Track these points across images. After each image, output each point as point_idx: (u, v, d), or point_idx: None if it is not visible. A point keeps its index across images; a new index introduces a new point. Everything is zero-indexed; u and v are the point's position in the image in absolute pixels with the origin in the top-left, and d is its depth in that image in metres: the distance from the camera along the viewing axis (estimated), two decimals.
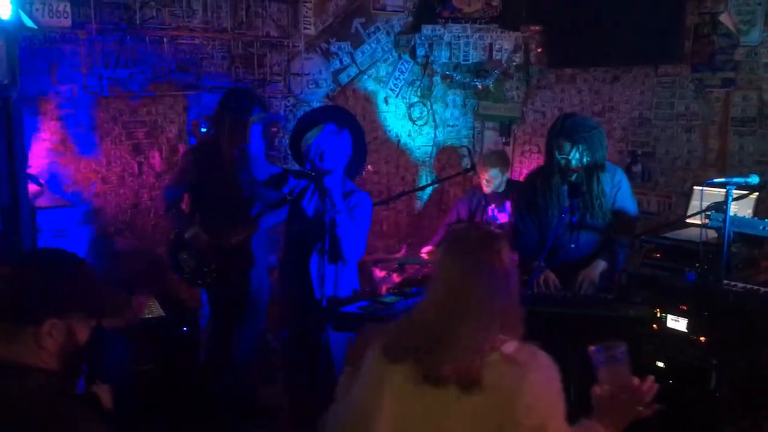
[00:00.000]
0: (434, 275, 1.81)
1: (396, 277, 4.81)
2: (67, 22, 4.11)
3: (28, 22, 3.75)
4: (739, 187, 3.08)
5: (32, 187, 3.79)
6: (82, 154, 4.40)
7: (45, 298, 1.58)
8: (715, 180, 3.16)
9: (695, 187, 4.02)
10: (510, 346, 1.73)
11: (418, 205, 5.93)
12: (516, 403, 1.66)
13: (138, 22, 4.38)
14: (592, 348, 1.90)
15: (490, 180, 4.74)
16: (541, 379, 1.71)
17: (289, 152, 5.16)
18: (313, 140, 3.14)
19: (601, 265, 3.54)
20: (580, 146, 3.41)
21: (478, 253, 1.74)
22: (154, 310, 3.94)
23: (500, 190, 4.80)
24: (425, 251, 4.84)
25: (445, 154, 5.88)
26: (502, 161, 4.87)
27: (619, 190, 3.58)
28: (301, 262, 3.18)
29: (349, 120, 3.31)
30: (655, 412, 1.87)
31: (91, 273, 1.73)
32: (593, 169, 3.47)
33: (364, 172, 3.29)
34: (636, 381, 1.89)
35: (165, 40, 4.47)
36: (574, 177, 3.49)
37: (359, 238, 3.16)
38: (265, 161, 3.97)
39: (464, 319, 1.69)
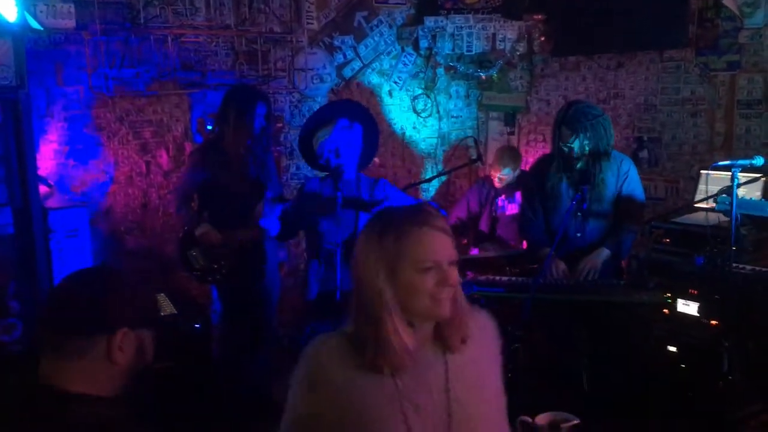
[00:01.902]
0: None
1: None
2: (72, 23, 4.13)
3: (34, 24, 3.77)
4: (745, 169, 3.08)
5: (42, 189, 3.81)
6: (90, 155, 4.42)
7: (120, 305, 1.52)
8: (721, 163, 3.16)
9: (702, 171, 4.03)
10: None
11: (425, 197, 5.94)
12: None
13: (142, 21, 4.39)
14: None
15: (503, 178, 4.77)
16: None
17: (296, 149, 5.23)
18: (327, 138, 3.14)
19: (604, 253, 3.55)
20: (583, 135, 3.41)
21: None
22: (165, 307, 3.96)
23: (511, 183, 4.81)
24: None
25: (451, 146, 5.89)
26: (515, 159, 4.87)
27: (626, 179, 3.59)
28: (328, 257, 3.19)
29: (360, 112, 3.31)
30: None
31: (149, 284, 1.69)
32: (596, 157, 3.47)
33: (372, 167, 3.29)
34: None
35: (169, 38, 4.48)
36: (579, 165, 3.49)
37: None
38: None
39: None
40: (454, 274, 1.56)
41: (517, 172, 4.82)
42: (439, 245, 1.56)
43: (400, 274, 1.54)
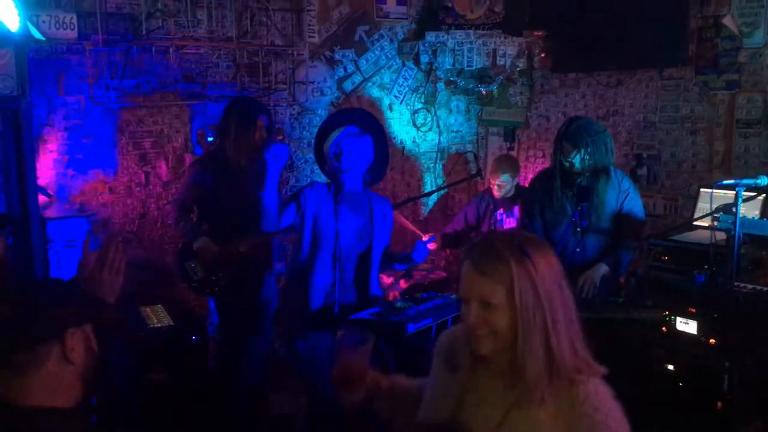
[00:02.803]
0: None
1: (403, 284, 4.82)
2: (74, 34, 4.14)
3: (36, 34, 3.78)
4: (748, 188, 3.08)
5: (41, 198, 3.80)
6: (89, 165, 4.41)
7: (60, 310, 1.56)
8: (725, 182, 3.17)
9: (702, 190, 4.03)
10: None
11: (424, 211, 5.94)
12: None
13: (144, 32, 4.40)
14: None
15: (502, 185, 4.76)
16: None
17: (295, 161, 5.24)
18: (333, 141, 3.15)
19: (602, 268, 3.55)
20: (584, 150, 3.43)
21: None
22: (162, 318, 3.95)
23: (509, 195, 4.81)
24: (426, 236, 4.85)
25: (450, 160, 5.90)
26: (513, 166, 4.88)
27: (627, 197, 3.60)
28: (322, 268, 3.17)
29: (373, 125, 3.31)
30: None
31: (70, 283, 1.75)
32: (597, 174, 3.48)
33: (379, 181, 3.29)
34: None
35: (170, 50, 4.49)
36: (580, 180, 3.50)
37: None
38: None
39: None
40: (473, 313, 1.54)
41: (516, 181, 4.82)
42: (467, 281, 1.56)
43: None
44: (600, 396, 1.55)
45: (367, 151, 3.18)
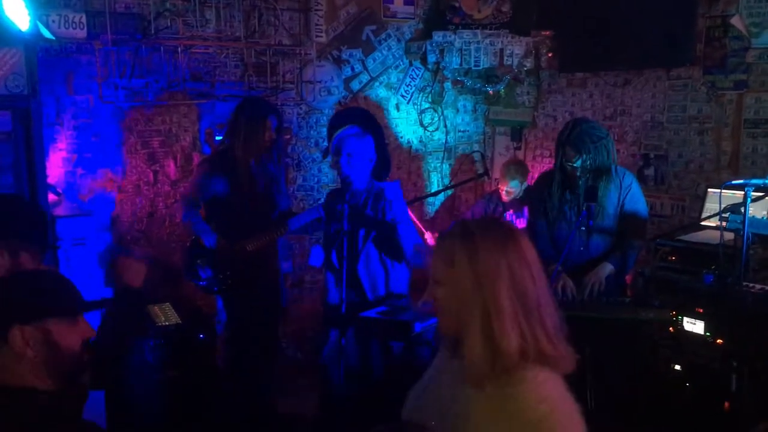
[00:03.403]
0: None
1: None
2: (83, 33, 4.16)
3: (46, 33, 3.80)
4: (757, 188, 3.08)
5: (51, 197, 3.83)
6: (98, 164, 4.43)
7: (2, 309, 1.60)
8: (734, 182, 3.16)
9: (710, 190, 4.03)
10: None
11: (431, 211, 5.94)
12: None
13: (152, 32, 4.42)
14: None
15: (511, 191, 4.78)
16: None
17: (303, 160, 5.26)
18: (334, 140, 3.16)
19: (608, 268, 3.54)
20: (586, 155, 3.44)
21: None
22: (170, 317, 3.97)
23: (518, 197, 4.82)
24: (429, 233, 4.90)
25: (457, 160, 5.90)
26: (522, 172, 4.89)
27: (629, 193, 3.59)
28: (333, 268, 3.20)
29: (372, 123, 3.31)
30: None
31: (54, 276, 1.76)
32: (599, 174, 3.49)
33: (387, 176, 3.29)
34: None
35: (179, 49, 4.51)
36: (583, 180, 3.50)
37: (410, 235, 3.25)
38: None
39: None
40: (427, 291, 1.59)
41: (525, 185, 4.83)
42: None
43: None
44: (548, 388, 1.51)
45: (368, 150, 3.18)
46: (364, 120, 3.27)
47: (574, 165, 3.46)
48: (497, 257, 1.53)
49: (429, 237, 4.90)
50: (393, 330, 2.82)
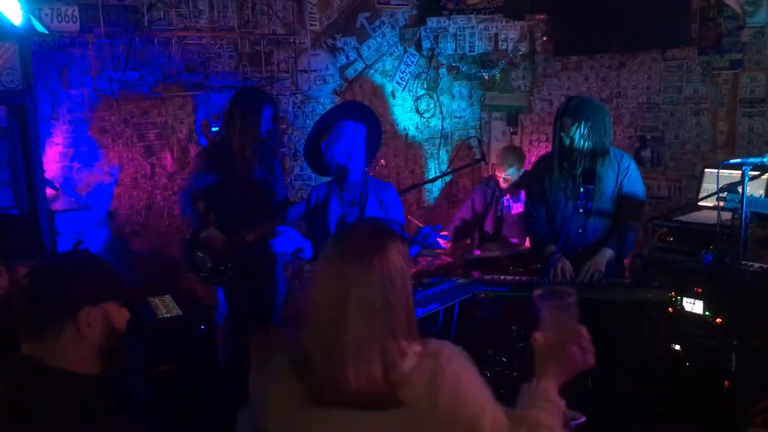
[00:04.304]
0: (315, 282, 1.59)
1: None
2: (76, 27, 4.15)
3: (39, 27, 3.78)
4: (755, 167, 3.08)
5: (49, 192, 3.82)
6: (94, 157, 4.43)
7: (75, 289, 1.66)
8: (731, 161, 3.17)
9: (706, 170, 4.04)
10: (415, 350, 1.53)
11: (429, 197, 5.95)
12: (436, 409, 1.46)
13: (146, 24, 4.40)
14: (537, 292, 1.70)
15: (508, 178, 4.77)
16: (455, 374, 1.50)
17: (300, 150, 5.24)
18: (338, 142, 3.10)
19: (607, 253, 3.54)
20: (583, 124, 3.41)
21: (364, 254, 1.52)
22: (171, 309, 3.97)
23: (515, 182, 4.82)
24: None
25: (454, 146, 5.90)
26: (519, 158, 4.87)
27: (627, 175, 3.59)
28: None
29: (363, 113, 3.29)
30: (591, 366, 1.67)
31: (106, 262, 1.82)
32: (596, 154, 3.48)
33: (377, 167, 3.27)
34: (583, 330, 1.68)
35: (173, 41, 4.49)
36: (580, 167, 3.48)
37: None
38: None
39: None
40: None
41: (522, 171, 4.83)
42: None
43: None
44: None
45: (363, 140, 3.15)
46: (354, 113, 3.24)
47: (572, 136, 3.43)
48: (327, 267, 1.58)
49: (440, 239, 4.88)
50: None
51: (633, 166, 3.64)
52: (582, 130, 3.41)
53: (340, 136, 3.08)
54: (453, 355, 1.53)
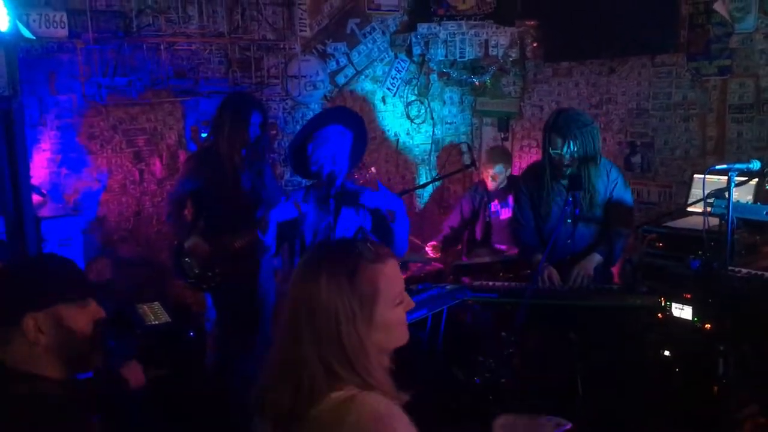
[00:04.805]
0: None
1: None
2: (64, 33, 4.13)
3: (27, 33, 3.76)
4: (741, 173, 3.09)
5: (35, 198, 3.80)
6: (83, 163, 4.41)
7: (15, 296, 1.61)
8: (717, 167, 3.17)
9: (695, 176, 4.05)
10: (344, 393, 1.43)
11: (419, 203, 5.94)
12: None
13: (135, 29, 4.39)
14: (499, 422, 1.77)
15: (496, 176, 4.77)
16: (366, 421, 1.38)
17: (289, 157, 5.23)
18: (325, 144, 3.09)
19: (596, 258, 3.56)
20: (572, 142, 3.42)
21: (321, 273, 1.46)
22: (160, 315, 3.95)
23: (502, 186, 4.82)
24: (429, 246, 4.87)
25: (445, 151, 5.90)
26: (506, 157, 4.91)
27: (615, 186, 3.61)
28: None
29: (352, 120, 3.27)
30: None
31: (61, 261, 1.76)
32: (585, 163, 3.48)
33: (367, 175, 3.25)
34: None
35: (162, 46, 4.48)
36: (570, 171, 3.49)
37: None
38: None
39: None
40: None
41: (509, 172, 4.84)
42: (399, 271, 1.55)
43: (376, 314, 1.46)
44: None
45: (349, 146, 3.15)
46: (344, 118, 3.23)
47: (561, 153, 3.45)
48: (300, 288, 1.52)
49: (429, 249, 4.89)
50: None
51: (621, 178, 3.67)
52: (571, 148, 3.43)
53: (327, 139, 3.07)
54: (377, 408, 1.39)
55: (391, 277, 1.50)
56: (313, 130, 3.14)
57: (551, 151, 3.49)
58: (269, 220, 3.02)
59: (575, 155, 3.45)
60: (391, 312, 1.49)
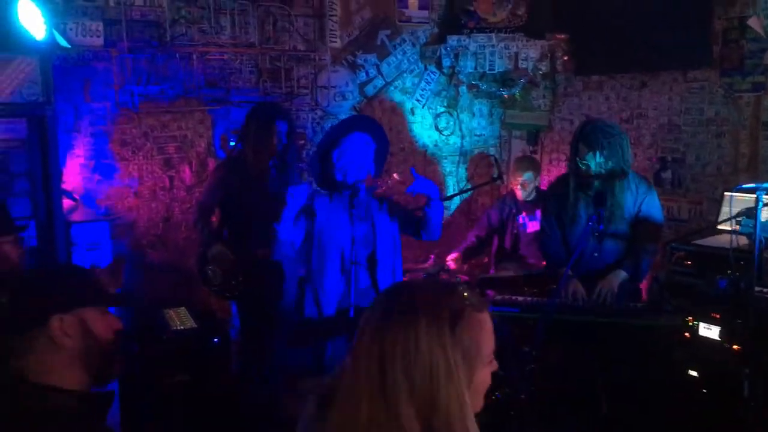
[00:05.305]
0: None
1: None
2: (100, 41, 4.24)
3: (62, 42, 3.86)
4: None
5: (67, 203, 3.88)
6: (115, 170, 4.50)
7: (43, 298, 1.62)
8: (745, 186, 3.12)
9: (726, 193, 3.97)
10: None
11: (446, 215, 5.93)
12: None
13: (168, 39, 4.48)
14: None
15: (525, 184, 4.75)
16: None
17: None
18: (350, 154, 3.13)
19: (621, 275, 3.51)
20: (599, 153, 3.38)
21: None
22: (185, 321, 4.00)
23: (531, 198, 4.80)
24: (450, 258, 4.85)
25: (473, 162, 5.89)
26: (534, 165, 4.90)
27: (645, 200, 3.55)
28: (333, 276, 3.20)
29: (377, 131, 3.30)
30: None
31: (82, 269, 1.79)
32: (613, 177, 3.43)
33: (389, 182, 3.27)
34: None
35: (194, 56, 4.56)
36: (596, 185, 3.45)
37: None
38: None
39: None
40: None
41: (538, 180, 4.83)
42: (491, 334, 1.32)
43: (476, 373, 1.26)
44: None
45: (372, 157, 3.19)
46: (369, 128, 3.25)
47: (588, 163, 3.40)
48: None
49: (450, 261, 4.87)
50: None
51: (652, 191, 3.61)
52: (598, 159, 3.38)
53: (352, 147, 3.11)
54: None
55: (489, 331, 1.29)
56: (339, 137, 3.17)
57: (578, 162, 3.45)
58: (288, 202, 3.01)
59: (603, 166, 3.40)
60: (484, 371, 1.28)
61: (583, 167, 3.41)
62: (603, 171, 3.40)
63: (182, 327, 3.97)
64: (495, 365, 1.32)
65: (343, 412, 1.24)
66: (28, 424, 1.49)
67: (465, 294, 1.29)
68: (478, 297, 1.31)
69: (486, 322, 1.29)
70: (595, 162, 3.37)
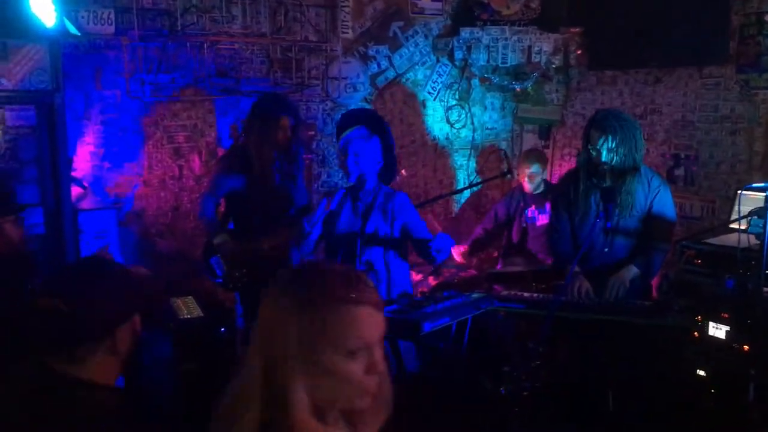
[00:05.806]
0: None
1: (432, 281, 4.80)
2: (111, 29, 4.24)
3: (72, 30, 3.86)
4: None
5: (76, 190, 3.90)
6: (124, 158, 4.50)
7: (113, 310, 1.63)
8: (755, 185, 3.07)
9: (740, 192, 3.91)
10: None
11: (456, 208, 5.90)
12: None
13: (179, 28, 4.47)
14: None
15: (533, 176, 4.74)
16: None
17: (327, 156, 5.27)
18: (341, 141, 3.17)
19: (632, 271, 3.47)
20: (611, 137, 3.31)
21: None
22: (193, 310, 4.00)
23: (539, 191, 4.77)
24: (457, 252, 4.82)
25: (483, 155, 5.85)
26: (541, 158, 4.90)
27: (657, 195, 3.50)
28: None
29: (379, 125, 3.30)
30: None
31: (129, 272, 1.78)
32: (624, 171, 3.38)
33: (397, 177, 3.27)
34: None
35: (205, 45, 4.55)
36: (606, 183, 3.40)
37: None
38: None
39: None
40: (381, 357, 1.36)
41: (545, 173, 4.81)
42: (374, 324, 1.34)
43: (321, 355, 1.30)
44: None
45: (375, 152, 3.18)
46: (371, 121, 3.25)
47: (600, 149, 3.34)
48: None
49: (456, 254, 4.85)
50: (401, 328, 2.79)
51: (664, 186, 3.54)
52: (610, 144, 3.32)
53: (350, 141, 3.13)
54: None
55: (359, 326, 1.32)
56: (340, 132, 3.19)
57: (590, 148, 3.39)
58: (320, 204, 3.07)
59: (614, 153, 3.33)
60: (339, 361, 1.31)
61: (594, 154, 3.36)
62: (615, 159, 3.33)
63: (189, 316, 3.96)
64: (367, 365, 1.33)
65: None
66: (75, 421, 1.50)
67: (356, 286, 1.34)
68: (371, 293, 1.36)
69: (359, 317, 1.32)
70: (606, 148, 3.30)
